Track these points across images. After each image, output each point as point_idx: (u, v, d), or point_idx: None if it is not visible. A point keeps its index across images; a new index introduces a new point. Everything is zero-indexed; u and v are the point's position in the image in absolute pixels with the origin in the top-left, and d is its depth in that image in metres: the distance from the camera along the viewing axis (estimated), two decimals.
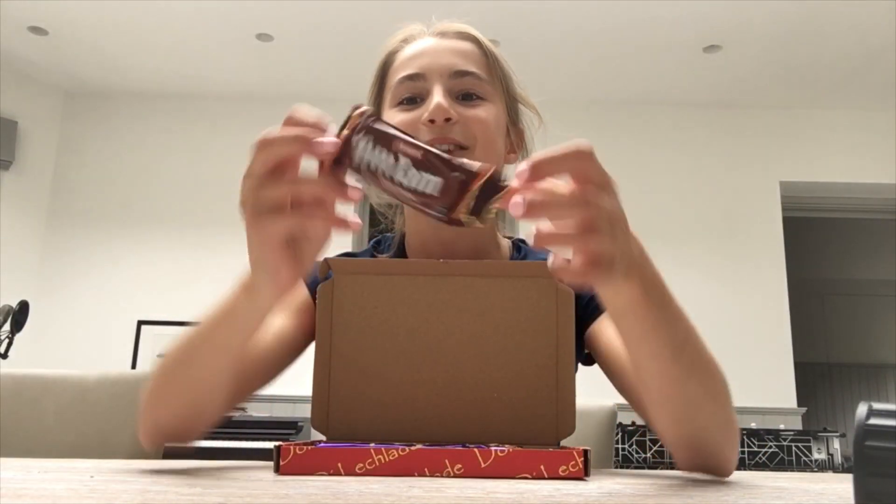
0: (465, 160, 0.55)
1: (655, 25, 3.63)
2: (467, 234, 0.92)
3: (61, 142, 4.35)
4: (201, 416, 0.75)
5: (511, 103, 0.96)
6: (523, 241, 1.02)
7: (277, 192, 0.57)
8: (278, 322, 0.86)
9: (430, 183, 0.54)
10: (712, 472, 0.70)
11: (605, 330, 0.86)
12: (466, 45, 0.92)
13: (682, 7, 3.48)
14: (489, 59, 0.93)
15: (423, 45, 0.92)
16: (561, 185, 0.53)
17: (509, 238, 1.02)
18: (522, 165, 0.52)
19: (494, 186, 0.54)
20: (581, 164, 0.53)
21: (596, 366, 0.95)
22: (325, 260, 0.74)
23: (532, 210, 0.51)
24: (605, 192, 0.54)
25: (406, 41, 0.94)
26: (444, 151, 0.55)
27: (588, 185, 0.53)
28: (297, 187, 0.57)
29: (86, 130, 4.38)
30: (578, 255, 0.54)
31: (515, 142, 0.97)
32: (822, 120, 4.41)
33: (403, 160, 0.55)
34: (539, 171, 0.52)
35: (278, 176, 0.57)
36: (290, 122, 0.59)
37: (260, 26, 3.70)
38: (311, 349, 0.73)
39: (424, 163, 0.55)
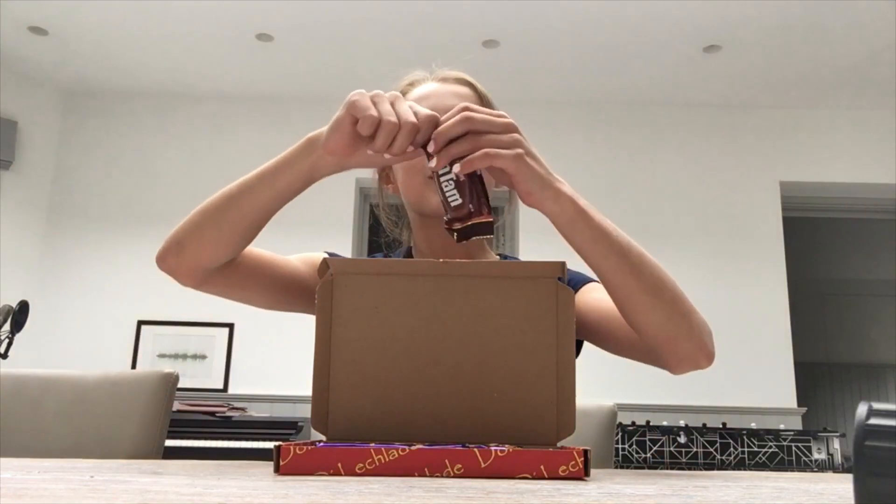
0: (484, 202, 0.77)
1: (655, 25, 3.63)
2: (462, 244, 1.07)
3: (61, 142, 4.35)
4: (217, 250, 0.91)
5: None
6: (512, 257, 1.21)
7: (388, 105, 0.78)
8: (296, 262, 1.03)
9: (454, 197, 0.77)
10: (690, 359, 0.86)
11: (583, 296, 1.02)
12: (464, 90, 1.08)
13: (682, 7, 3.48)
14: (483, 102, 1.08)
15: (428, 89, 1.08)
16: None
17: (500, 255, 1.19)
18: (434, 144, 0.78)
19: (486, 229, 0.77)
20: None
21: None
22: (325, 260, 0.74)
23: (438, 137, 0.76)
24: (494, 120, 0.78)
25: (412, 85, 1.10)
26: (480, 190, 0.77)
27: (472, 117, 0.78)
28: (403, 115, 0.78)
29: (86, 130, 4.38)
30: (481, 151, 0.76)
31: None
32: (822, 120, 4.41)
33: (453, 173, 0.77)
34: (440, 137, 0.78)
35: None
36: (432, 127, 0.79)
37: (260, 26, 3.70)
38: (311, 349, 0.73)
39: (460, 185, 0.77)
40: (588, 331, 1.01)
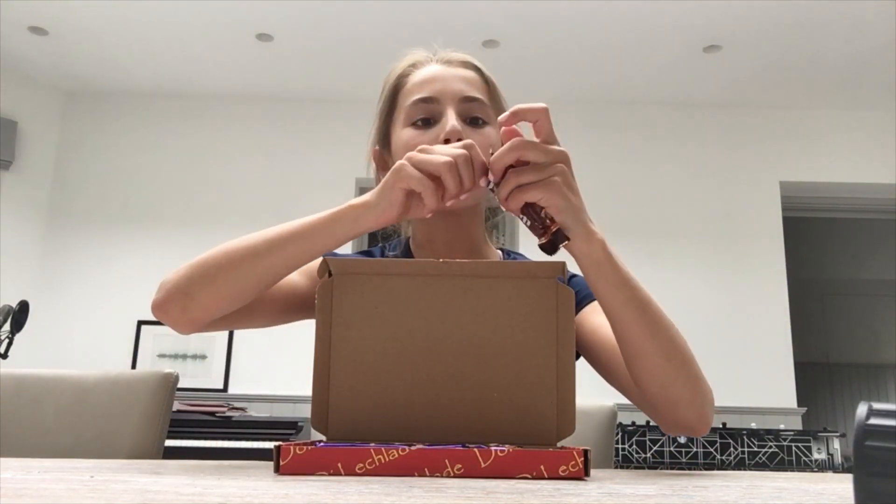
0: (546, 214, 0.77)
1: (655, 25, 3.63)
2: (465, 236, 1.06)
3: (61, 142, 4.35)
4: (231, 304, 0.87)
5: None
6: (513, 252, 1.18)
7: (434, 164, 0.78)
8: (295, 277, 0.98)
9: (525, 218, 0.79)
10: (687, 426, 0.85)
11: (590, 316, 0.99)
12: (471, 74, 1.04)
13: (682, 7, 3.48)
14: (490, 87, 1.05)
15: (434, 72, 1.03)
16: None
17: (501, 249, 1.16)
18: (506, 113, 0.77)
19: (560, 237, 0.78)
20: (541, 117, 0.78)
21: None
22: (325, 259, 0.74)
23: (494, 165, 0.77)
24: (544, 147, 0.77)
25: (415, 66, 1.06)
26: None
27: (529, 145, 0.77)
28: (449, 172, 0.78)
29: (86, 130, 4.38)
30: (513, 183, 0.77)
31: None
32: (822, 120, 4.41)
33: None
34: (516, 114, 0.78)
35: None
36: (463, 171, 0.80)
37: (260, 26, 3.70)
38: (311, 349, 0.73)
39: (523, 207, 0.78)
40: (591, 357, 0.98)
